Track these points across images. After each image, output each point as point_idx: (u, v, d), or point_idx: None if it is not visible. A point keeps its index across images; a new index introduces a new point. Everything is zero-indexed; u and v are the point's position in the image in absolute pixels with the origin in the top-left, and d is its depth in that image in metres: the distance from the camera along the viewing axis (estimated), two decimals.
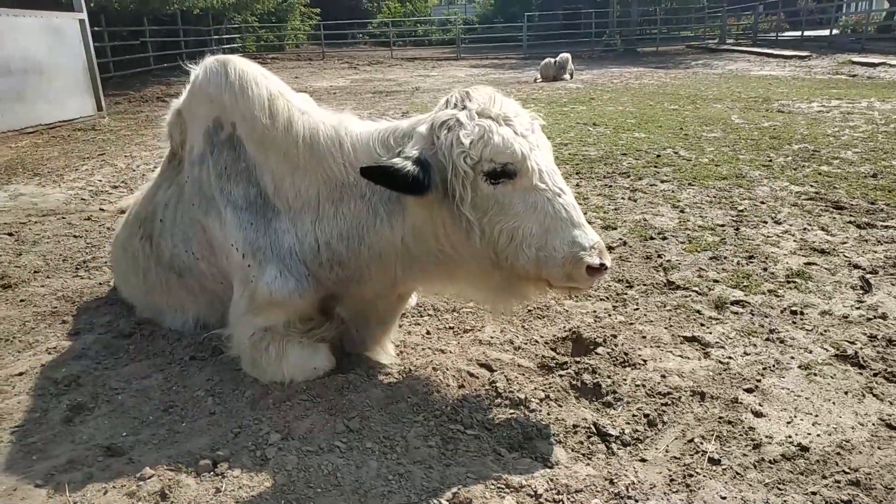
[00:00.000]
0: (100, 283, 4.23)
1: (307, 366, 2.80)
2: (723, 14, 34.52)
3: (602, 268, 2.36)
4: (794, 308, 3.52)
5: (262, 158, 2.80)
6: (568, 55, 21.27)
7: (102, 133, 11.17)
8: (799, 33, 31.08)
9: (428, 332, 3.33)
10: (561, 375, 2.82)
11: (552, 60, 20.73)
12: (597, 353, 2.98)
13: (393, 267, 2.65)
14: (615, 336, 3.13)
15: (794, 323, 3.37)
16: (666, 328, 3.29)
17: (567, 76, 20.58)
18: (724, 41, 33.13)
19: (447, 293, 3.08)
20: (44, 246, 5.01)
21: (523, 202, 2.35)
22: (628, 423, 2.51)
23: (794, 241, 4.65)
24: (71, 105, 12.00)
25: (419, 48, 40.27)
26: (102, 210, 6.33)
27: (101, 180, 7.33)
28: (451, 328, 3.38)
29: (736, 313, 3.48)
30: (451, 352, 3.10)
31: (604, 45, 33.54)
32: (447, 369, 2.89)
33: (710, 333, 3.23)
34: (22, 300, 3.96)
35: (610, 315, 3.44)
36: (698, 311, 3.50)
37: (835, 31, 31.64)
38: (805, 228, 4.92)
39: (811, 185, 6.18)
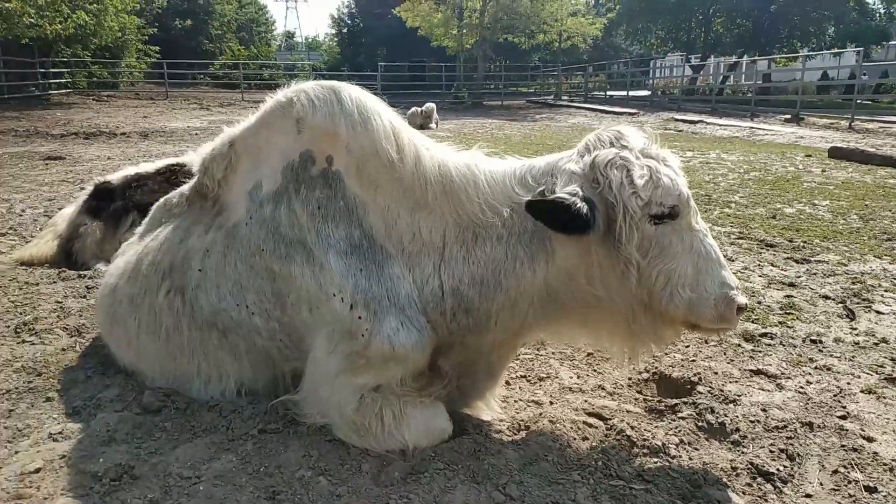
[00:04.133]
0: (62, 349, 3.48)
1: (433, 429, 2.47)
2: (558, 73, 37.71)
3: (745, 307, 2.40)
4: (812, 338, 3.79)
5: (369, 196, 2.49)
6: (433, 105, 21.97)
7: None
8: (624, 92, 34.81)
9: (508, 382, 3.11)
10: (683, 418, 2.76)
11: (419, 110, 21.26)
12: (699, 392, 2.97)
13: (525, 313, 2.45)
14: (702, 375, 3.14)
15: (821, 351, 3.62)
16: (728, 363, 3.37)
17: (433, 125, 21.17)
18: (560, 97, 36.12)
19: (575, 340, 2.92)
20: None
21: (681, 243, 2.32)
22: (773, 460, 2.51)
23: (759, 276, 5.05)
24: None
25: (267, 92, 39.21)
26: None
27: None
28: (523, 376, 3.20)
29: (770, 345, 3.67)
30: (546, 402, 2.92)
31: (453, 97, 35.03)
32: (562, 421, 2.70)
33: (770, 366, 3.35)
34: None
35: (669, 354, 3.46)
36: (738, 345, 3.64)
37: (646, 93, 35.96)
38: (759, 265, 5.37)
39: (731, 226, 6.81)
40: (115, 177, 5.76)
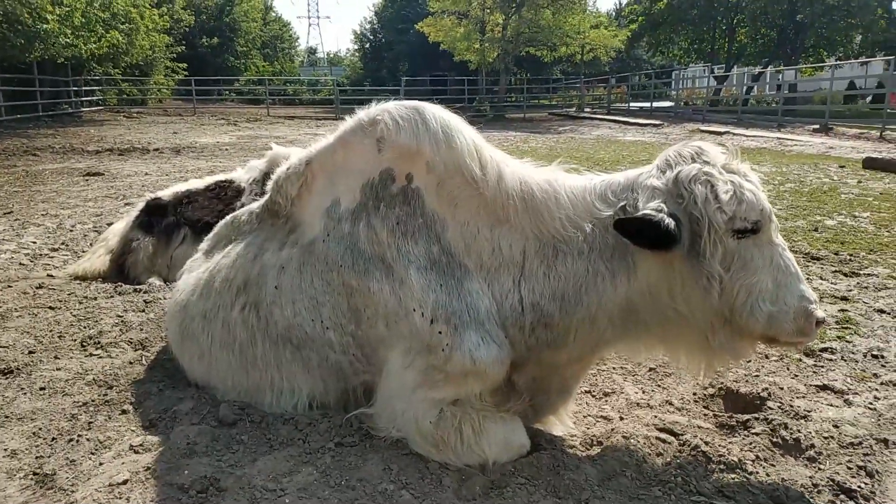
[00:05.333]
0: (130, 363, 3.56)
1: (512, 443, 2.49)
2: (580, 86, 37.73)
3: (824, 321, 2.40)
4: (873, 353, 3.74)
5: (448, 213, 2.53)
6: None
7: None
8: (647, 104, 34.70)
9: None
10: (756, 433, 2.75)
11: None
12: (769, 408, 2.95)
13: (604, 328, 2.47)
14: (770, 390, 3.13)
15: (884, 366, 3.58)
16: (792, 378, 3.35)
17: None
18: (583, 109, 36.10)
19: (650, 354, 2.93)
20: (18, 321, 4.15)
21: (762, 257, 2.33)
22: (853, 477, 2.48)
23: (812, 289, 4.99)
24: None
25: (291, 107, 39.79)
26: (51, 276, 5.43)
27: (34, 242, 6.30)
28: (588, 391, 3.20)
29: (831, 360, 3.63)
30: (615, 418, 2.92)
31: (475, 110, 35.20)
32: (635, 437, 2.71)
33: (835, 381, 3.32)
34: (42, 388, 3.22)
35: (731, 370, 3.44)
36: (800, 360, 3.61)
37: (669, 104, 35.79)
38: (807, 278, 5.32)
39: None
40: (165, 193, 5.90)
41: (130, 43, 26.26)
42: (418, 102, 2.60)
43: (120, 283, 5.08)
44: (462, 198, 2.51)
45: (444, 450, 2.48)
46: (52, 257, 6.00)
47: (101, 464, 2.57)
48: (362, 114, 2.68)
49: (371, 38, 52.95)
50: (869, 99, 30.30)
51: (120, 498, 2.33)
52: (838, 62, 31.03)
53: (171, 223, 5.55)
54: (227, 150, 17.53)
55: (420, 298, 2.45)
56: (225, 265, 3.09)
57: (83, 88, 28.66)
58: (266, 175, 5.70)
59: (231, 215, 3.51)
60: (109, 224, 6.93)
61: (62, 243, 6.37)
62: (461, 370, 2.41)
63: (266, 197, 3.16)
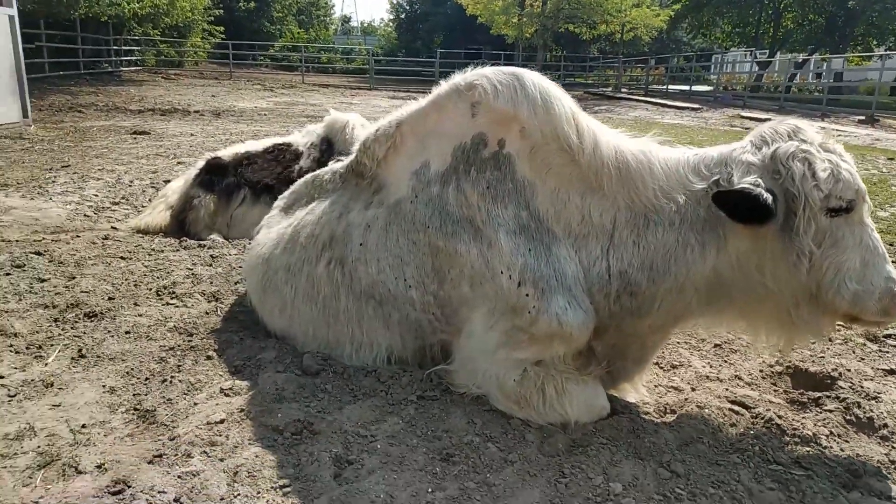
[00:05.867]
0: (206, 313, 3.70)
1: (594, 405, 2.57)
2: (619, 65, 37.11)
3: None
4: None
5: (538, 179, 2.58)
6: None
7: (38, 143, 9.93)
8: (685, 87, 34.07)
9: None
10: (829, 411, 2.80)
11: None
12: (840, 387, 2.99)
13: (689, 299, 2.52)
14: (841, 371, 3.16)
15: None
16: (858, 361, 3.37)
17: None
18: (619, 90, 35.54)
19: (730, 327, 2.98)
20: (93, 269, 4.31)
21: (852, 236, 2.36)
22: None
23: None
24: None
25: (324, 75, 39.72)
26: (115, 229, 5.60)
27: (96, 195, 6.48)
28: (656, 363, 3.26)
29: (895, 346, 3.64)
30: (687, 389, 2.99)
31: None
32: (708, 407, 2.77)
33: None
34: (127, 332, 3.36)
35: (797, 350, 3.47)
36: (863, 345, 3.62)
37: (708, 87, 35.01)
38: None
39: None
40: (225, 153, 6.01)
41: (171, 4, 26.37)
42: (517, 68, 2.64)
43: (184, 238, 5.23)
44: (555, 164, 2.55)
45: (525, 408, 2.57)
46: (113, 210, 6.17)
47: (195, 404, 2.70)
48: (458, 78, 2.73)
49: (407, 8, 52.46)
50: None
51: (220, 435, 2.46)
52: (888, 52, 30.08)
53: (232, 183, 5.67)
54: (265, 115, 17.64)
55: (508, 261, 2.52)
56: (310, 221, 3.18)
57: (123, 48, 28.91)
58: (323, 139, 5.80)
59: (311, 174, 3.60)
60: (166, 181, 7.09)
61: (122, 198, 6.54)
62: (547, 332, 2.47)
63: (351, 157, 3.24)
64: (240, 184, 5.67)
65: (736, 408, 2.80)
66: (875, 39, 33.43)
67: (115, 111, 16.20)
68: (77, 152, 9.19)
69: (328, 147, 5.80)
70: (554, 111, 2.49)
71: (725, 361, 3.32)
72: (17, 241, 4.82)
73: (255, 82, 30.69)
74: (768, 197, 2.23)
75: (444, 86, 2.79)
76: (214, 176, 5.71)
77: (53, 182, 6.85)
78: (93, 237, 5.12)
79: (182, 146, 10.19)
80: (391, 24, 60.03)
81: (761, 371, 3.23)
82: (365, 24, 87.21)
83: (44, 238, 4.96)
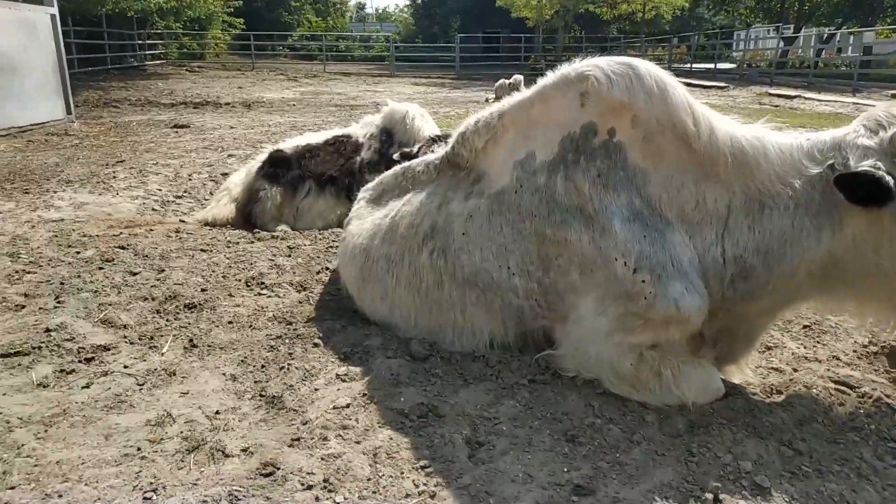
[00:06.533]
0: (299, 302, 3.81)
1: (710, 387, 2.64)
2: (641, 45, 36.70)
3: None
4: None
5: (650, 166, 2.64)
6: (521, 77, 21.77)
7: (84, 139, 10.13)
8: (710, 65, 33.63)
9: None
10: None
11: (506, 82, 21.00)
12: None
13: (801, 282, 2.57)
14: None
15: None
16: None
17: None
18: None
19: (838, 307, 3.03)
20: (178, 261, 4.45)
21: None
22: None
23: None
24: (43, 107, 10.77)
25: (344, 63, 39.79)
26: (183, 222, 5.74)
27: (160, 189, 6.63)
28: None
29: None
30: (788, 370, 3.04)
31: (530, 68, 34.63)
32: (815, 387, 2.83)
33: None
34: (230, 322, 3.48)
35: (887, 331, 3.50)
36: None
37: (731, 65, 34.49)
38: None
39: None
40: (286, 146, 6.12)
41: None
42: (630, 58, 2.69)
43: (257, 230, 5.36)
44: (668, 152, 2.61)
45: (642, 391, 2.65)
46: (178, 204, 6.32)
47: (316, 389, 2.81)
48: (567, 69, 2.78)
49: None
50: None
51: (349, 419, 2.56)
52: None
53: (297, 175, 5.78)
54: (294, 105, 17.75)
55: (623, 248, 2.58)
56: (408, 212, 3.27)
57: (147, 42, 29.17)
58: (383, 130, 5.88)
59: (400, 167, 3.69)
60: (224, 174, 7.23)
61: (185, 191, 6.69)
62: (664, 317, 2.54)
63: (447, 149, 3.31)
64: (304, 176, 5.78)
65: (841, 388, 2.85)
66: None
67: (148, 105, 16.40)
68: (126, 147, 9.37)
69: (388, 138, 5.89)
70: (671, 99, 2.54)
71: (818, 342, 3.37)
72: (98, 235, 4.97)
73: (278, 73, 30.85)
74: (890, 180, 2.27)
75: (550, 77, 2.85)
76: (278, 168, 5.82)
77: (114, 177, 7.01)
78: (166, 230, 5.26)
79: (226, 139, 10.33)
80: (406, 10, 59.83)
81: (855, 351, 3.27)
82: (380, 11, 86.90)
83: (122, 232, 5.10)
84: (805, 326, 3.53)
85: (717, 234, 2.58)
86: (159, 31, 30.53)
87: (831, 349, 3.28)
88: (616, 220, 2.61)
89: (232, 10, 36.05)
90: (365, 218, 3.63)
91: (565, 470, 2.26)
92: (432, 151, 4.90)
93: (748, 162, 2.51)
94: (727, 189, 2.56)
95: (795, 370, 3.03)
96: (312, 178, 5.75)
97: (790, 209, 2.50)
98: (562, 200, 2.74)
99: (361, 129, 6.11)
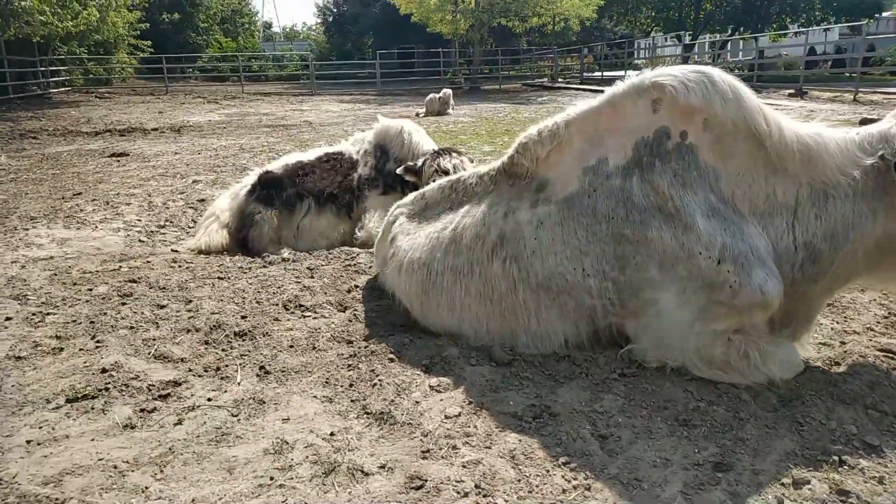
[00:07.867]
0: (348, 321, 3.79)
1: (793, 363, 2.86)
2: (554, 56, 38.05)
3: None
4: None
5: (721, 164, 2.85)
6: (450, 91, 22.20)
7: (18, 172, 9.50)
8: (622, 72, 35.27)
9: None
10: None
11: (436, 96, 21.47)
12: None
13: (859, 261, 2.85)
14: None
15: None
16: None
17: (451, 110, 21.46)
18: (556, 80, 36.48)
19: (883, 285, 3.32)
20: (200, 291, 4.30)
21: None
22: None
23: None
24: None
25: (261, 83, 38.98)
26: (175, 251, 5.54)
27: (139, 220, 6.34)
28: None
29: None
30: (835, 343, 3.32)
31: (448, 83, 35.18)
32: (869, 356, 3.11)
33: None
34: (291, 346, 3.43)
35: None
36: None
37: (636, 73, 36.43)
38: None
39: None
40: (274, 166, 6.03)
41: (102, 20, 25.31)
42: (702, 66, 2.90)
43: (268, 254, 5.24)
44: (739, 150, 2.83)
45: (731, 373, 2.84)
46: (163, 234, 6.07)
47: (417, 402, 2.83)
48: (637, 79, 2.96)
49: (334, 10, 52.03)
50: (829, 64, 31.55)
51: (468, 426, 2.61)
52: (800, 29, 32.11)
53: (293, 194, 5.69)
54: (225, 127, 17.25)
55: (707, 242, 2.77)
56: (471, 224, 3.34)
57: (49, 69, 27.55)
58: (377, 146, 5.92)
59: (446, 180, 3.76)
60: (201, 201, 7.02)
61: (165, 220, 6.43)
62: (749, 303, 2.75)
63: (503, 159, 3.41)
64: (301, 194, 5.70)
65: (889, 354, 3.16)
66: (789, 17, 35.61)
67: (70, 134, 15.52)
68: (72, 179, 8.87)
69: (382, 154, 5.93)
70: (745, 102, 2.77)
71: (845, 317, 3.69)
72: (98, 271, 4.73)
73: (194, 95, 29.86)
74: None
75: (620, 86, 3.02)
76: (272, 189, 5.71)
77: (82, 210, 6.64)
78: (164, 261, 5.07)
79: (177, 165, 9.96)
80: (316, 28, 59.37)
81: (879, 323, 3.62)
82: (287, 29, 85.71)
83: (120, 266, 4.88)
84: (827, 304, 3.86)
85: (787, 223, 2.82)
86: (62, 57, 28.86)
87: (861, 322, 3.60)
88: (698, 216, 2.80)
89: (138, 32, 34.60)
90: (415, 233, 3.67)
91: (696, 451, 2.41)
92: (438, 165, 5.01)
93: (813, 156, 2.77)
94: (795, 182, 2.81)
95: (843, 343, 3.32)
96: (311, 196, 5.69)
97: (850, 196, 2.78)
98: (639, 201, 2.91)
99: (353, 146, 6.11)
